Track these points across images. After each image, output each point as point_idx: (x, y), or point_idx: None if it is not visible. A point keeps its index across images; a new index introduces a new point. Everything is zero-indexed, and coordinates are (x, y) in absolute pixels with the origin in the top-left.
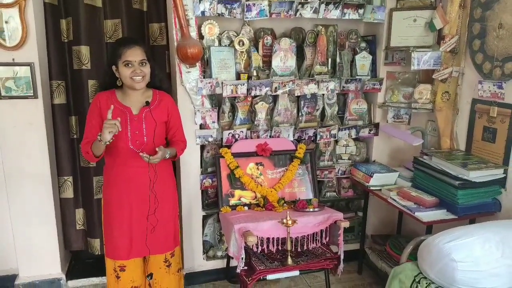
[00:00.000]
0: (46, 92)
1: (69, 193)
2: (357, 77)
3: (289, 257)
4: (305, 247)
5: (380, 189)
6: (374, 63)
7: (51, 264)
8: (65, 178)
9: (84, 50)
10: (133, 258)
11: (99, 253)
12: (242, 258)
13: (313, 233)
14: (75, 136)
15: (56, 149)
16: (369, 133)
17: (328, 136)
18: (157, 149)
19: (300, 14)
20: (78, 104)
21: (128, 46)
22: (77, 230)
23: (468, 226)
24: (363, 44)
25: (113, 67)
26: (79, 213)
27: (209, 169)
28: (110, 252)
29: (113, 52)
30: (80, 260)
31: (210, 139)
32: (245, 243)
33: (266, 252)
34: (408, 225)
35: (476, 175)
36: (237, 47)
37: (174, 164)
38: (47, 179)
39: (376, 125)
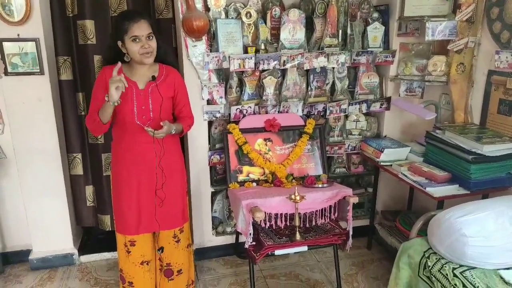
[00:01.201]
0: (52, 68)
1: (78, 169)
2: (368, 49)
3: (297, 232)
4: (313, 223)
5: (391, 165)
6: (386, 34)
7: (63, 239)
8: (74, 155)
9: (89, 25)
10: (142, 233)
11: (110, 229)
12: (250, 234)
13: (322, 209)
14: (82, 113)
15: (65, 126)
16: (380, 107)
17: (338, 111)
18: (161, 123)
19: None
20: (85, 80)
21: (134, 20)
22: (87, 207)
23: (481, 201)
24: (375, 15)
25: (119, 43)
26: (89, 190)
27: (217, 145)
28: (120, 227)
29: (118, 27)
30: (92, 235)
31: (218, 115)
32: (253, 218)
33: (274, 227)
34: (419, 201)
35: (490, 149)
36: (244, 19)
37: (182, 140)
38: (57, 155)
39: (388, 99)
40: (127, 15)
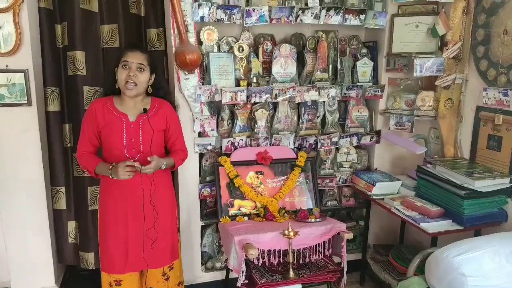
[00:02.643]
0: (40, 99)
1: (61, 204)
2: (358, 83)
3: (291, 269)
4: (307, 259)
5: (383, 198)
6: (375, 69)
7: (44, 276)
8: (57, 188)
9: (79, 56)
10: (129, 272)
11: (94, 268)
12: (242, 272)
13: (316, 245)
14: (68, 145)
15: (50, 158)
16: (370, 140)
17: (329, 144)
18: (149, 158)
19: (301, 19)
20: (73, 111)
21: (130, 49)
22: (69, 244)
23: (476, 238)
24: (364, 50)
25: (115, 69)
26: (72, 226)
27: (208, 178)
28: (106, 265)
29: (118, 55)
30: (75, 272)
31: (209, 147)
32: (246, 256)
33: (267, 264)
34: (411, 234)
35: (481, 185)
36: (236, 53)
37: (173, 173)
38: (41, 189)
39: (378, 133)
40: (128, 44)
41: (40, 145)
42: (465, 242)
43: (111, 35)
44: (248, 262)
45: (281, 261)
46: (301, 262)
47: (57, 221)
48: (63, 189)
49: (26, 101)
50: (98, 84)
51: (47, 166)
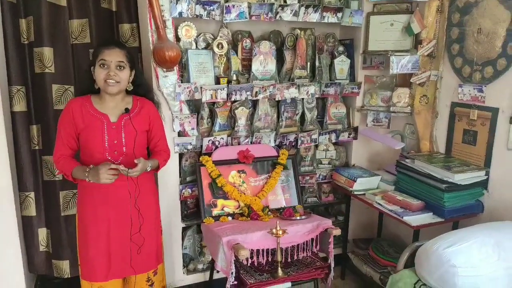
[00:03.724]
0: (4, 99)
1: (31, 210)
2: (336, 81)
3: (279, 268)
4: (295, 257)
5: (364, 194)
6: (352, 67)
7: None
8: (26, 194)
9: (47, 52)
10: (112, 279)
11: (69, 276)
12: (232, 273)
13: (303, 242)
14: (37, 147)
15: (16, 161)
16: (348, 137)
17: (309, 141)
18: (135, 161)
19: (280, 16)
20: (41, 111)
21: (106, 46)
22: (40, 252)
23: (461, 230)
24: (341, 48)
25: (92, 68)
26: (43, 233)
27: (188, 178)
28: (86, 273)
29: (93, 52)
30: (46, 281)
31: (190, 147)
32: (236, 256)
33: (255, 264)
34: (389, 228)
35: (460, 178)
36: (216, 50)
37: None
38: (9, 195)
39: (355, 129)
40: (104, 41)
41: (7, 148)
42: (451, 234)
43: (81, 31)
44: (235, 263)
45: (269, 260)
46: (289, 260)
47: (26, 228)
48: (32, 194)
49: None
50: (67, 82)
51: (14, 170)
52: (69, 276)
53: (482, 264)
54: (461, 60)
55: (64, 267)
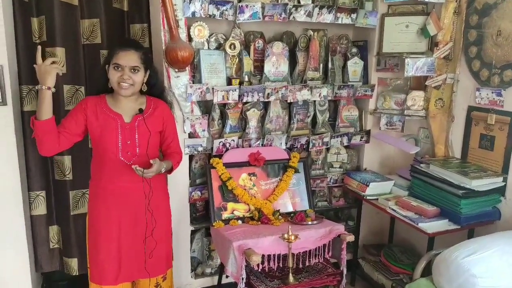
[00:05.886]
0: (15, 98)
1: (41, 209)
2: (349, 83)
3: (290, 274)
4: (306, 263)
5: (377, 199)
6: (365, 68)
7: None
8: (37, 193)
9: (60, 52)
10: (122, 282)
11: (77, 274)
12: (242, 279)
13: (315, 248)
14: None
15: (26, 161)
16: (360, 140)
17: (320, 144)
18: (151, 161)
19: (294, 17)
20: (53, 110)
21: (122, 48)
22: (50, 249)
23: (480, 238)
24: (354, 50)
25: (106, 67)
26: (53, 231)
27: (198, 181)
28: (96, 276)
29: (109, 52)
30: (52, 282)
31: (200, 149)
32: (246, 262)
33: (266, 269)
34: (400, 234)
35: (478, 184)
36: (228, 50)
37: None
38: (17, 194)
39: (368, 132)
40: (121, 41)
41: (16, 147)
42: (471, 242)
43: (92, 31)
44: (245, 268)
45: (280, 265)
46: (300, 266)
47: (37, 227)
48: (43, 193)
49: (0, 100)
50: (78, 83)
51: (23, 170)
52: (77, 274)
53: (502, 273)
54: (479, 63)
55: (72, 265)
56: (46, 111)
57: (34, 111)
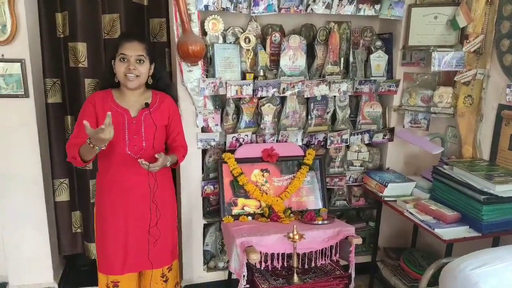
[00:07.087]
0: (39, 90)
1: (64, 196)
2: (371, 78)
3: (295, 274)
4: (312, 264)
5: (395, 200)
6: (390, 63)
7: (43, 271)
8: (61, 180)
9: (81, 47)
10: (128, 273)
11: (95, 258)
12: (243, 276)
13: (322, 249)
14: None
15: (50, 150)
16: (383, 138)
17: (339, 141)
18: (157, 155)
19: (312, 9)
20: (75, 103)
21: (126, 39)
22: (73, 233)
23: (496, 249)
24: (379, 43)
25: (112, 62)
26: (76, 216)
27: (211, 175)
28: (103, 266)
29: (114, 46)
30: (74, 267)
31: (213, 143)
32: (247, 260)
33: (270, 268)
34: (424, 238)
35: (502, 189)
36: (242, 44)
37: (174, 170)
38: (39, 182)
39: (391, 130)
40: (124, 34)
41: (38, 138)
42: (484, 252)
43: (113, 25)
44: (250, 265)
45: (285, 264)
46: (306, 266)
47: (60, 212)
48: (66, 181)
49: (23, 93)
50: (99, 77)
51: (48, 159)
52: (95, 258)
53: None
54: (511, 57)
55: (91, 249)
56: (91, 157)
57: (58, 103)
